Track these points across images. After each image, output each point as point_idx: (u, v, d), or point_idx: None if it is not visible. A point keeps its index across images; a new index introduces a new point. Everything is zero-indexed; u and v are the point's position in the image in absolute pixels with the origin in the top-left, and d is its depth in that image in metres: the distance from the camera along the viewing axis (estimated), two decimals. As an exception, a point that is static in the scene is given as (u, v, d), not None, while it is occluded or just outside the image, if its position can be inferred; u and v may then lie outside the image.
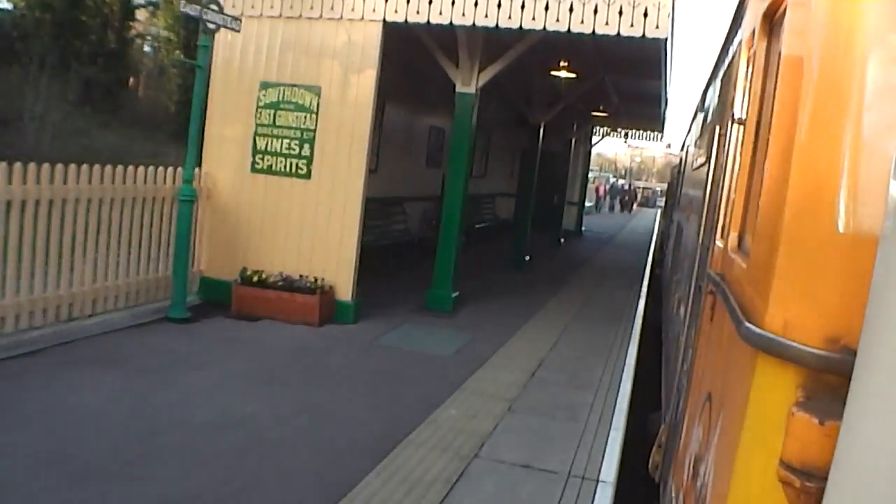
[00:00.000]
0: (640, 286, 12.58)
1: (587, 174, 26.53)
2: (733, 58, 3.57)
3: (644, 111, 19.85)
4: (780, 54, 2.04)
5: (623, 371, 7.12)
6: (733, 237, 2.49)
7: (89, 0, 17.97)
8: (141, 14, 21.24)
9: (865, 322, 1.21)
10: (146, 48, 22.22)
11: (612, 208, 46.30)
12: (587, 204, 42.86)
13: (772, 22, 2.40)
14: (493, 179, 21.20)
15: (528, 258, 13.97)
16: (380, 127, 11.01)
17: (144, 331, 6.58)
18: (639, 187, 66.46)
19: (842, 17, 1.55)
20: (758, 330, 1.60)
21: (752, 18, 2.78)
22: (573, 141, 20.23)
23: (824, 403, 1.44)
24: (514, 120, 21.85)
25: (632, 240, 26.17)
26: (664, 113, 19.45)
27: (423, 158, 14.67)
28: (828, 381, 1.46)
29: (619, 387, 6.56)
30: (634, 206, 50.89)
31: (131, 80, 21.19)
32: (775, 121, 1.90)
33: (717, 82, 5.01)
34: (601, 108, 18.22)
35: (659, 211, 38.29)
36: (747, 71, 2.85)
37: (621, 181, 58.52)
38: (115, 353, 5.82)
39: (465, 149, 9.92)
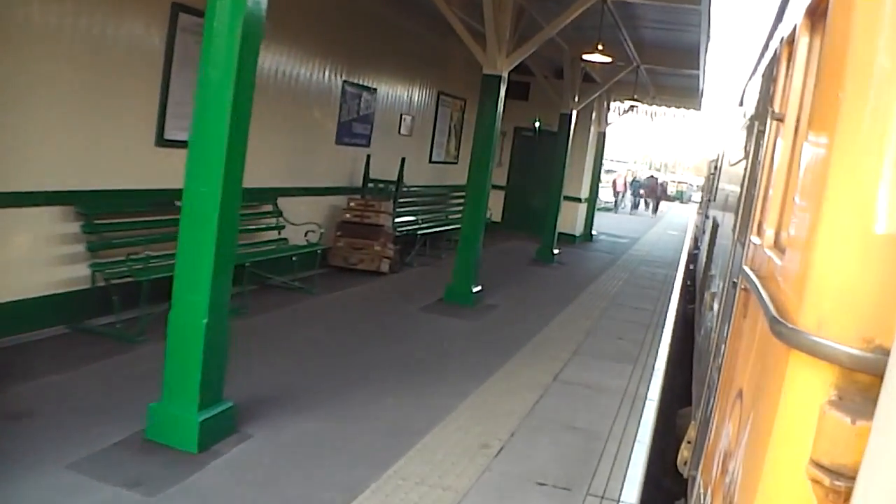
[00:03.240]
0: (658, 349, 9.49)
1: (600, 161, 22.67)
2: (774, 53, 3.58)
3: (680, 83, 18.11)
4: (821, 51, 2.05)
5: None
6: (769, 234, 2.50)
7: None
8: None
9: None
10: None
11: (634, 206, 41.72)
12: (605, 202, 39.44)
13: (814, 18, 2.40)
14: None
15: (478, 289, 10.86)
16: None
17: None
18: (672, 181, 64.41)
19: (885, 14, 1.53)
20: (791, 327, 1.63)
21: (794, 14, 2.79)
22: (570, 116, 15.99)
23: (856, 403, 1.47)
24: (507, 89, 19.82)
25: (657, 249, 22.13)
26: (702, 87, 17.30)
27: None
28: (861, 381, 1.49)
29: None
30: (661, 204, 44.34)
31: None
32: (815, 118, 1.93)
33: (758, 78, 5.07)
34: (634, 96, 16.60)
35: (695, 207, 35.90)
36: (787, 67, 2.84)
37: (645, 174, 50.91)
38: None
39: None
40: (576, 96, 15.08)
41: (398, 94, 13.57)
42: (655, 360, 8.20)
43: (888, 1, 1.52)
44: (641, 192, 42.79)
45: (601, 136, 21.35)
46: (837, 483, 1.44)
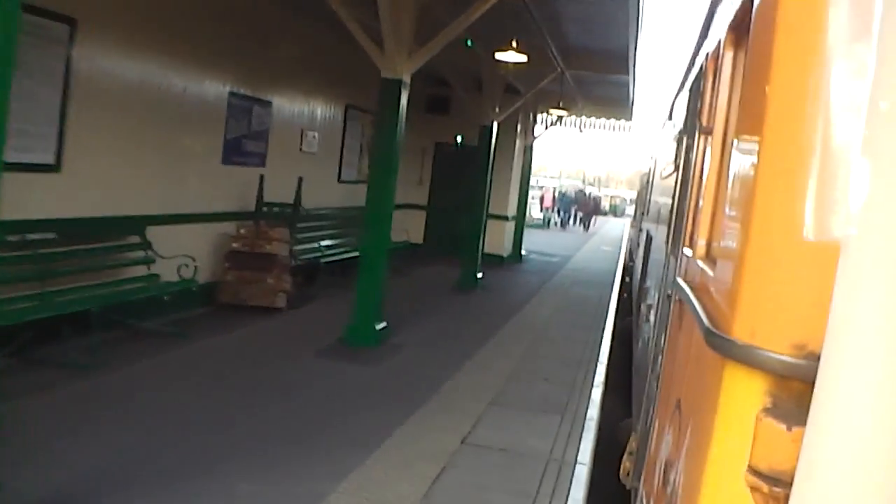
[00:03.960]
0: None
1: (528, 177, 22.04)
2: (700, 68, 3.80)
3: (609, 93, 17.53)
4: (745, 65, 2.22)
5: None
6: (701, 245, 2.63)
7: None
8: None
9: (829, 324, 1.32)
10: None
11: (563, 223, 41.46)
12: (535, 217, 38.63)
13: (737, 33, 2.56)
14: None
15: (382, 326, 9.59)
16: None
17: None
18: (606, 195, 64.31)
19: (806, 29, 1.63)
20: (725, 338, 1.72)
21: (719, 30, 2.99)
22: (491, 128, 15.08)
23: (792, 410, 1.55)
24: (426, 103, 18.65)
25: (591, 266, 21.47)
26: (633, 97, 16.59)
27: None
28: (795, 388, 1.57)
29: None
30: (594, 220, 44.39)
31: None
32: (741, 130, 2.07)
33: (685, 92, 5.26)
34: (559, 104, 15.50)
35: (628, 221, 36.80)
36: (714, 81, 3.01)
37: (573, 188, 51.22)
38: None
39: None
40: (496, 107, 13.71)
41: (298, 108, 12.72)
42: (587, 409, 6.86)
43: (807, 15, 1.64)
44: (573, 207, 40.62)
45: (528, 150, 20.88)
46: (776, 489, 1.53)
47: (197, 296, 9.21)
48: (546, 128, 21.38)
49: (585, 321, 12.39)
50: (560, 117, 19.96)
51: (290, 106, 12.50)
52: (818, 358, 1.41)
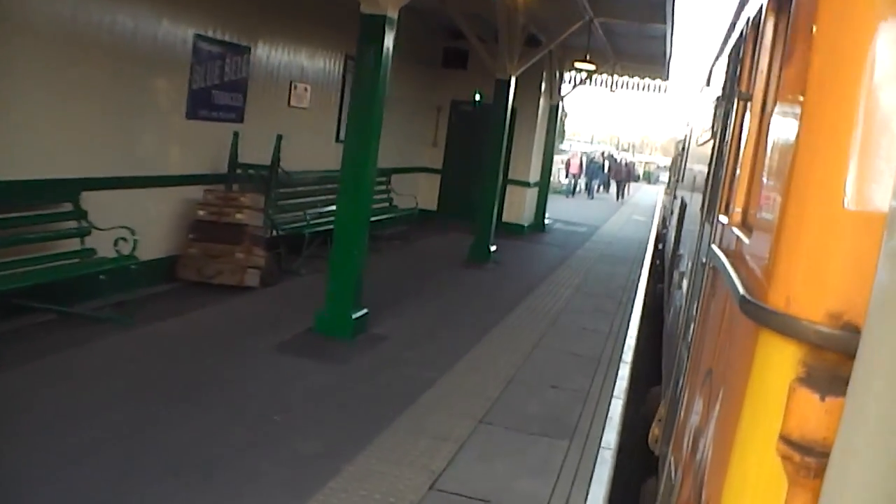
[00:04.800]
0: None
1: (553, 140, 20.50)
2: (741, 34, 3.85)
3: (643, 48, 16.17)
4: (787, 30, 2.30)
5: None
6: (737, 213, 2.70)
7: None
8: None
9: (873, 296, 1.33)
10: None
11: (591, 191, 38.77)
12: (563, 183, 36.58)
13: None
14: (392, 147, 14.52)
15: (360, 314, 8.12)
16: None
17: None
18: (640, 161, 62.21)
19: None
20: (760, 305, 1.78)
21: None
22: (509, 83, 13.49)
23: (825, 380, 1.60)
24: (442, 57, 17.32)
25: (621, 239, 19.74)
26: (669, 52, 14.89)
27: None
28: (829, 358, 1.62)
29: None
30: (628, 188, 41.91)
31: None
32: (782, 98, 2.15)
33: (724, 59, 5.23)
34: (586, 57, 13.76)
35: (662, 188, 36.62)
36: (754, 48, 3.06)
37: (602, 153, 48.38)
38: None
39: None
40: (514, 58, 12.02)
41: (286, 57, 11.71)
42: (602, 432, 5.29)
43: None
44: (603, 174, 38.30)
45: (553, 111, 19.71)
46: (808, 459, 1.56)
47: (143, 274, 8.09)
48: (574, 87, 19.46)
49: (609, 306, 11.41)
50: (589, 74, 18.32)
51: (275, 54, 11.52)
52: (854, 328, 1.51)
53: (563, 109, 26.50)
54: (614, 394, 6.90)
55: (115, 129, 8.39)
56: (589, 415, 6.51)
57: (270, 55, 11.23)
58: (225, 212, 9.55)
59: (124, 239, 7.82)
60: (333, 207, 11.92)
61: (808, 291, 1.61)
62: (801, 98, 1.73)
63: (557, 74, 19.16)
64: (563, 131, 57.74)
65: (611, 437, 5.73)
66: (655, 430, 4.54)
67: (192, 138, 9.75)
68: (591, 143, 68.30)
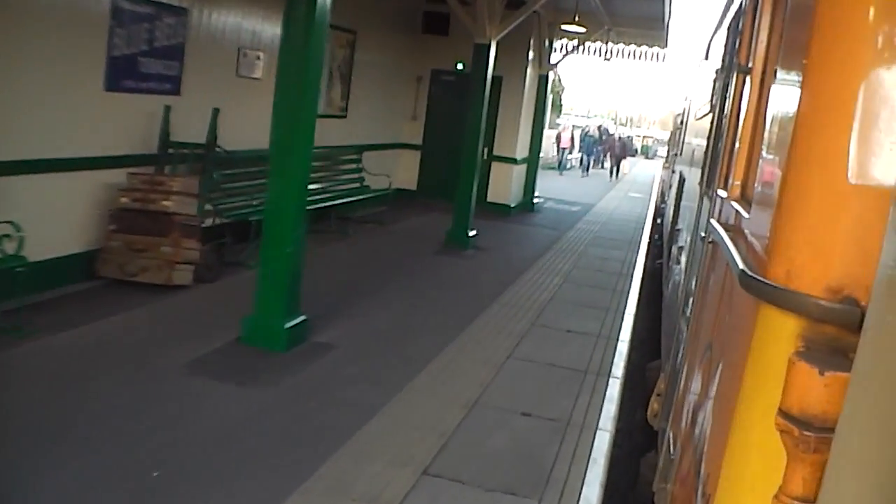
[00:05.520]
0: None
1: (542, 113, 19.26)
2: (740, 7, 3.91)
3: (639, 10, 14.94)
4: (787, 2, 2.36)
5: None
6: (736, 187, 2.74)
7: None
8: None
9: (879, 270, 1.31)
10: None
11: (585, 167, 37.21)
12: (554, 158, 34.95)
13: None
14: (367, 121, 13.55)
15: (297, 322, 6.85)
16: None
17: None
18: (637, 136, 60.95)
19: None
20: (760, 279, 1.82)
21: None
22: (489, 47, 12.10)
23: (825, 354, 1.63)
24: (422, 22, 16.09)
25: (616, 218, 18.80)
26: (668, 15, 13.66)
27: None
28: (829, 332, 1.66)
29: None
30: (623, 165, 39.48)
31: None
32: (782, 70, 2.20)
33: (723, 31, 5.18)
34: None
35: (660, 163, 35.73)
36: (754, 20, 3.10)
37: (596, 127, 46.09)
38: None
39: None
40: (497, 20, 10.69)
41: (233, 19, 10.08)
42: (581, 489, 4.05)
43: None
44: (597, 148, 36.49)
45: (543, 81, 17.61)
46: (807, 433, 1.56)
47: (51, 273, 7.18)
48: (565, 55, 18.03)
49: (602, 299, 10.46)
50: (581, 41, 16.81)
51: (218, 16, 10.03)
52: (855, 302, 1.54)
53: (559, 82, 25.08)
54: (600, 424, 5.60)
55: (7, 103, 6.97)
56: (566, 457, 5.16)
57: (213, 18, 10.13)
58: (150, 198, 8.55)
59: (8, 236, 6.65)
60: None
61: (809, 265, 1.64)
62: (802, 70, 1.76)
63: (547, 41, 18.21)
64: (560, 105, 56.68)
65: (592, 492, 4.52)
66: (655, 405, 4.67)
67: (114, 114, 8.56)
68: (588, 116, 67.14)
